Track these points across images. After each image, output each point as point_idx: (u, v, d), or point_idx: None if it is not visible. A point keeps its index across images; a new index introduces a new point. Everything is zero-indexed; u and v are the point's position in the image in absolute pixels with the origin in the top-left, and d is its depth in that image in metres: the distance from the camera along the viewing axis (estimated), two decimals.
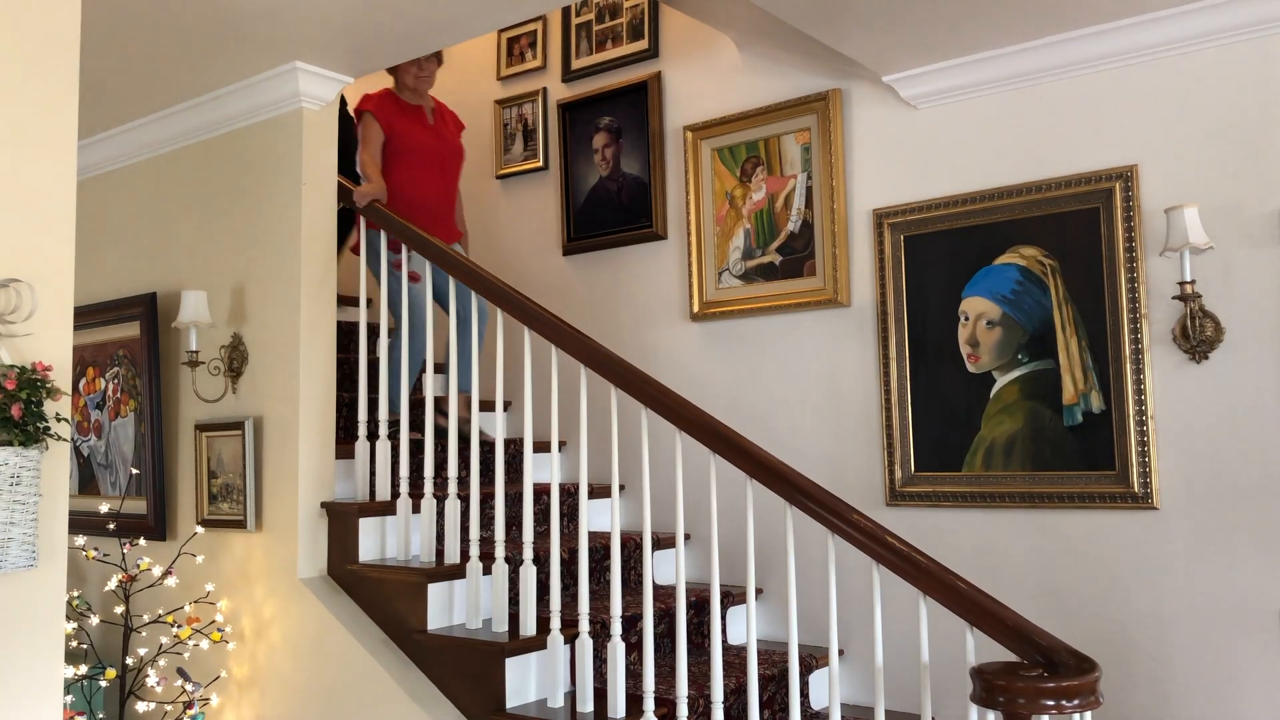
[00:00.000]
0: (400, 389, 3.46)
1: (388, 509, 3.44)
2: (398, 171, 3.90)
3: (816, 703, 3.53)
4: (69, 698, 3.26)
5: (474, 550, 3.20)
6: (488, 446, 3.85)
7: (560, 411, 3.16)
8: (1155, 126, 3.25)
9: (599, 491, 3.92)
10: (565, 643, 2.99)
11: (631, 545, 3.76)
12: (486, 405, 4.22)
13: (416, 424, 3.90)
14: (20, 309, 2.06)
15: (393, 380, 3.59)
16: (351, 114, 4.27)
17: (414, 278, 3.69)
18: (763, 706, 3.20)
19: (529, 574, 3.10)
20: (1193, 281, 3.07)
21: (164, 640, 3.55)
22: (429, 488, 3.37)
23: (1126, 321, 3.24)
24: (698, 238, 4.14)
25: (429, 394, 3.63)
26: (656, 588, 3.73)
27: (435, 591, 3.20)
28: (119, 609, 3.63)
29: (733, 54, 4.14)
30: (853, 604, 3.48)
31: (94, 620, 3.69)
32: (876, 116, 3.78)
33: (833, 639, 2.57)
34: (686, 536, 3.94)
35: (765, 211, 4.00)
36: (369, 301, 3.79)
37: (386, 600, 3.28)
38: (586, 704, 2.91)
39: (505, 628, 3.12)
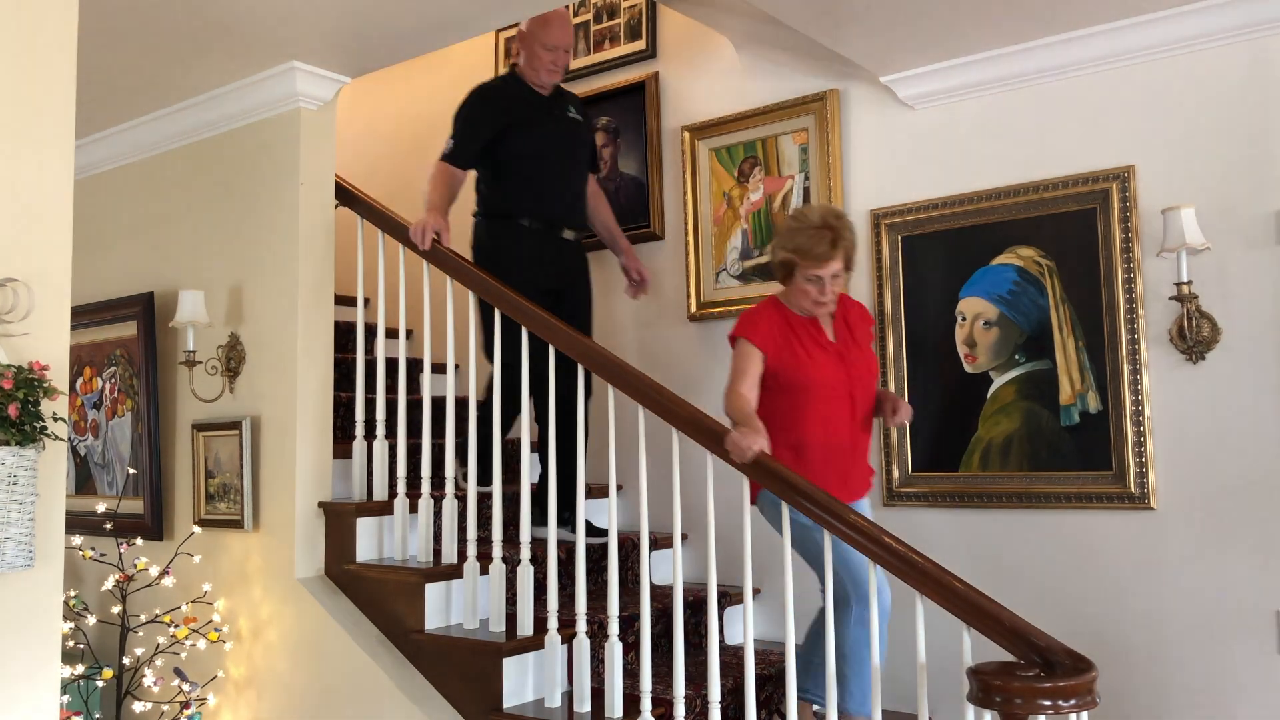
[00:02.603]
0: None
1: (385, 509, 3.44)
2: (789, 412, 2.93)
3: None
4: (66, 698, 3.26)
5: (471, 550, 3.20)
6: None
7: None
8: (1152, 127, 3.26)
9: (596, 491, 3.92)
10: (562, 643, 2.99)
11: (629, 545, 3.77)
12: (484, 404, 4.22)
13: (414, 424, 3.89)
14: (17, 308, 2.06)
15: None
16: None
17: None
18: (760, 706, 3.20)
19: (526, 574, 3.10)
20: (1189, 282, 3.07)
21: (161, 640, 3.54)
22: (426, 488, 3.37)
23: (1123, 322, 3.25)
24: (695, 238, 4.14)
25: (427, 395, 3.63)
26: (654, 588, 3.72)
27: (432, 591, 3.21)
28: (116, 609, 3.62)
29: (730, 54, 4.14)
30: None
31: (91, 620, 3.69)
32: (874, 117, 3.78)
33: (829, 639, 2.57)
34: (684, 536, 3.93)
35: (763, 212, 4.00)
36: (366, 301, 3.79)
37: (384, 600, 3.28)
38: (584, 704, 2.91)
39: (502, 628, 3.12)
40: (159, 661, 3.55)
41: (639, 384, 2.94)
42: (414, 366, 4.07)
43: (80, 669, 3.51)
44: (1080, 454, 3.30)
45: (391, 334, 4.02)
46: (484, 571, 3.21)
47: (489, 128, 3.64)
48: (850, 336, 3.05)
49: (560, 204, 3.72)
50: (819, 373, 2.94)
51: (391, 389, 3.80)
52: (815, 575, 2.88)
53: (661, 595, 3.57)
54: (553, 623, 3.00)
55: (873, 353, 3.13)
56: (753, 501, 2.81)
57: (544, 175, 3.67)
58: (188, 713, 3.44)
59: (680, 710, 2.72)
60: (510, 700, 2.99)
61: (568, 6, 4.62)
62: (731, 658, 3.39)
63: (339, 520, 3.43)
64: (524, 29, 3.70)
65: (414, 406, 3.80)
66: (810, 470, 2.80)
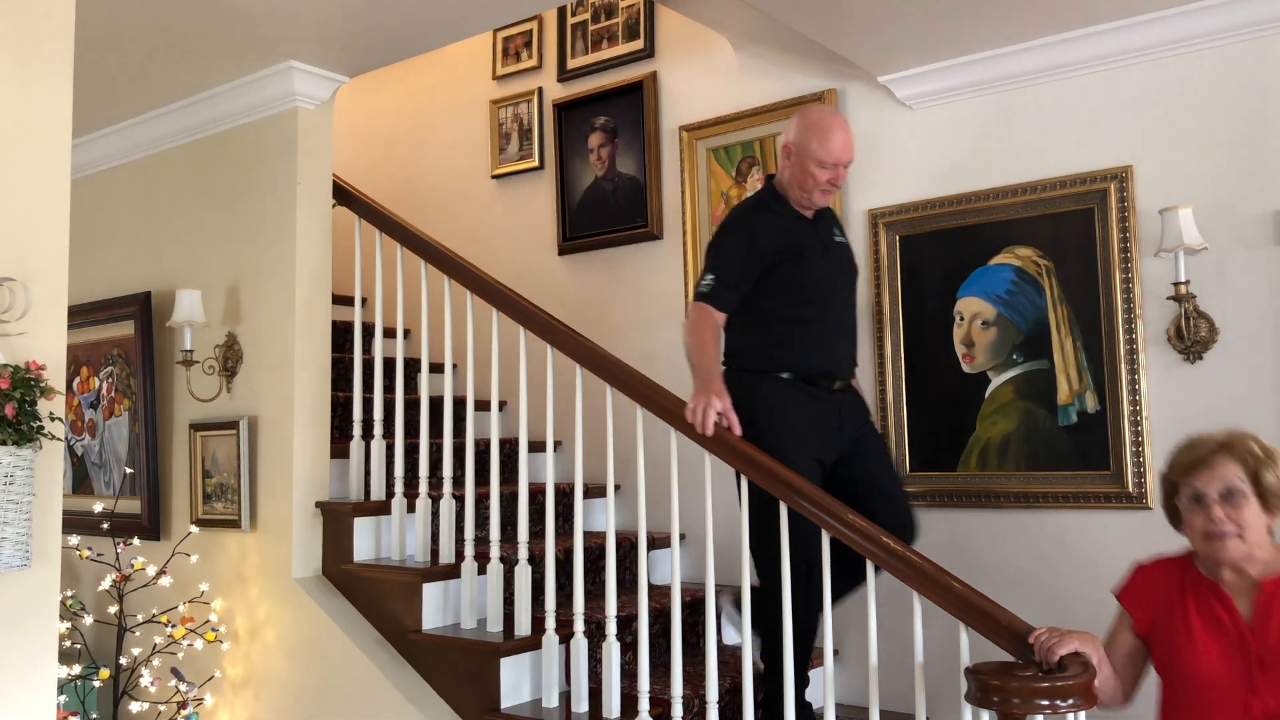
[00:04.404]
0: None
1: (383, 509, 3.44)
2: (1162, 709, 2.20)
3: (812, 702, 3.53)
4: (63, 698, 3.25)
5: (469, 550, 3.20)
6: (482, 445, 3.85)
7: (555, 411, 3.16)
8: (1150, 127, 3.26)
9: (594, 491, 3.91)
10: (560, 643, 2.99)
11: (627, 545, 3.76)
12: (482, 405, 4.22)
13: (411, 424, 3.89)
14: (14, 308, 2.05)
15: None
16: None
17: None
18: (758, 706, 3.20)
19: (524, 574, 3.10)
20: (1187, 282, 3.07)
21: (158, 640, 3.54)
22: (424, 487, 3.37)
23: (1121, 322, 3.25)
24: (693, 238, 4.14)
25: (425, 394, 3.63)
26: (652, 588, 3.72)
27: (430, 591, 3.20)
28: (113, 609, 3.62)
29: (729, 54, 4.14)
30: (848, 603, 3.48)
31: (88, 620, 3.69)
32: (872, 117, 3.78)
33: (827, 639, 2.57)
34: (682, 536, 3.92)
35: None
36: (364, 300, 3.79)
37: (381, 600, 3.27)
38: (581, 704, 2.91)
39: (500, 628, 3.12)
40: (156, 661, 3.54)
41: (637, 384, 2.94)
42: (411, 366, 4.06)
43: (77, 669, 3.50)
44: (1078, 454, 3.30)
45: (389, 333, 4.02)
46: (481, 571, 3.21)
47: (758, 264, 2.94)
48: (1270, 620, 2.07)
49: (831, 352, 3.02)
50: (1199, 667, 2.09)
51: (389, 389, 3.80)
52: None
53: (660, 595, 3.57)
54: (550, 623, 2.99)
55: None
56: None
57: (813, 319, 2.98)
58: (185, 713, 3.44)
59: (678, 710, 2.72)
60: (507, 700, 2.99)
61: (566, 6, 4.62)
62: (730, 657, 3.38)
63: (336, 520, 3.43)
64: (791, 139, 2.97)
65: (411, 406, 3.80)
66: None
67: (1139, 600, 2.26)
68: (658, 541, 3.82)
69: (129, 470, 3.91)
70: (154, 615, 3.57)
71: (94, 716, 3.65)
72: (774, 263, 2.94)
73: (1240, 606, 2.11)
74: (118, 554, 3.64)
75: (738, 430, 2.74)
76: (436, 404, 3.84)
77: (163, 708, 3.49)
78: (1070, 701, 2.07)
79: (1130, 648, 2.26)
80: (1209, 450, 2.15)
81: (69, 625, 3.61)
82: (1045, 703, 2.07)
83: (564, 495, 3.91)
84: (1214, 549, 2.11)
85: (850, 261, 3.18)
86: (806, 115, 3.01)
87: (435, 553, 3.36)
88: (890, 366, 3.64)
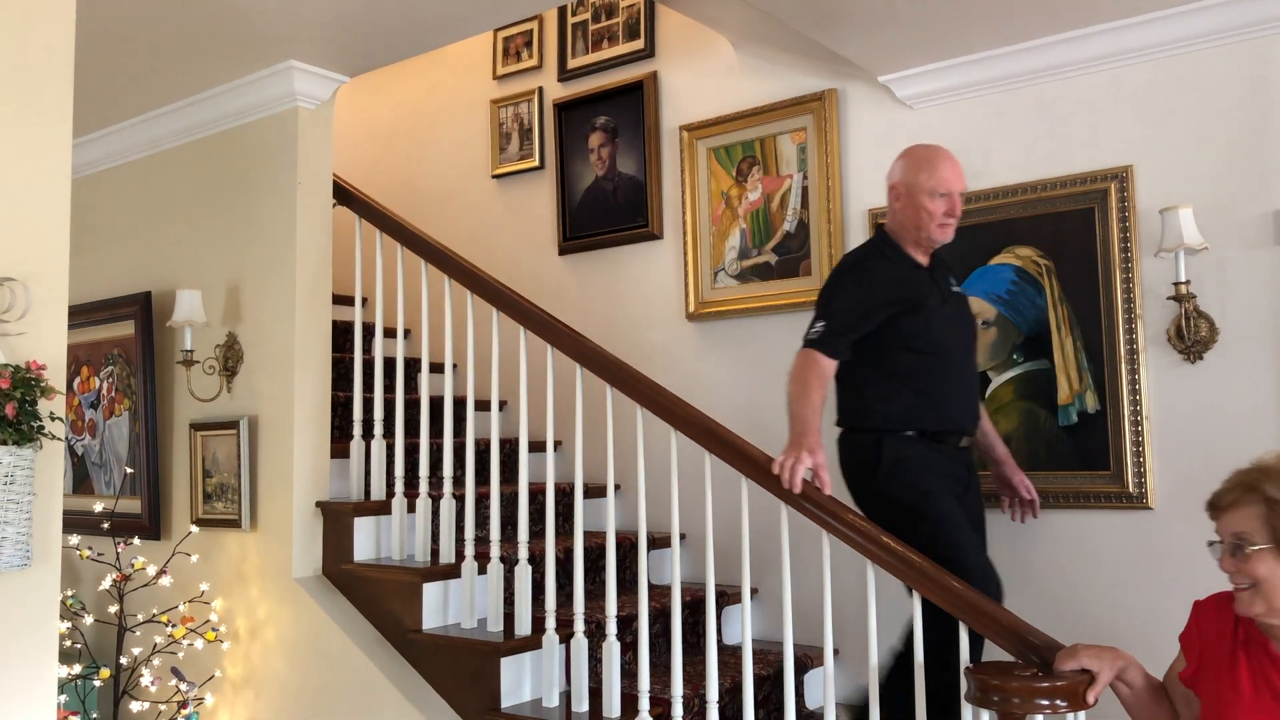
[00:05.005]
0: None
1: (383, 508, 3.44)
2: None
3: (812, 702, 3.53)
4: (63, 697, 3.26)
5: (469, 550, 3.20)
6: (483, 445, 3.85)
7: (556, 411, 3.16)
8: (1150, 127, 3.26)
9: (595, 491, 3.92)
10: (560, 642, 2.99)
11: (627, 545, 3.76)
12: (482, 405, 4.22)
13: (411, 424, 3.89)
14: (14, 308, 2.05)
15: None
16: None
17: None
18: (758, 706, 3.20)
19: (524, 573, 3.10)
20: (1187, 282, 3.07)
21: (158, 640, 3.54)
22: (424, 487, 3.37)
23: (1121, 322, 3.25)
24: (693, 238, 4.14)
25: (425, 394, 3.63)
26: (652, 587, 3.73)
27: (430, 591, 3.20)
28: (113, 608, 3.62)
29: (729, 54, 4.14)
30: (848, 603, 3.49)
31: (88, 620, 3.69)
32: (872, 116, 3.78)
33: (828, 639, 2.58)
34: (682, 536, 3.92)
35: (761, 211, 4.00)
36: (364, 300, 3.79)
37: (381, 600, 3.27)
38: (581, 704, 2.91)
39: (500, 627, 3.12)
40: (156, 661, 3.54)
41: (637, 384, 2.95)
42: (412, 366, 4.07)
43: (77, 669, 3.51)
44: (1078, 454, 3.30)
45: (389, 333, 4.02)
46: (482, 571, 3.21)
47: (874, 312, 2.84)
48: None
49: (959, 406, 2.91)
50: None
51: (389, 388, 3.80)
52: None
53: (660, 595, 3.57)
54: (550, 622, 2.99)
55: None
56: None
57: (936, 373, 2.86)
58: (185, 712, 3.44)
59: (678, 710, 2.72)
60: (508, 700, 2.99)
61: (566, 6, 4.62)
62: (730, 657, 3.39)
63: (337, 520, 3.43)
64: (897, 179, 2.92)
65: (412, 406, 3.80)
66: None
67: (1191, 647, 2.06)
68: (658, 541, 3.82)
69: (129, 470, 3.92)
70: (154, 615, 3.57)
71: (94, 716, 3.65)
72: (893, 313, 2.84)
73: None
74: (118, 554, 3.64)
75: (828, 489, 2.63)
76: (437, 404, 3.84)
77: (163, 707, 3.49)
78: (1070, 701, 2.07)
79: (1185, 689, 2.08)
80: (1228, 489, 1.94)
81: (69, 625, 3.61)
82: (1045, 702, 2.07)
83: (564, 495, 3.91)
84: (1240, 605, 1.91)
85: (969, 313, 3.10)
86: (910, 153, 2.96)
87: (435, 552, 3.36)
88: None
